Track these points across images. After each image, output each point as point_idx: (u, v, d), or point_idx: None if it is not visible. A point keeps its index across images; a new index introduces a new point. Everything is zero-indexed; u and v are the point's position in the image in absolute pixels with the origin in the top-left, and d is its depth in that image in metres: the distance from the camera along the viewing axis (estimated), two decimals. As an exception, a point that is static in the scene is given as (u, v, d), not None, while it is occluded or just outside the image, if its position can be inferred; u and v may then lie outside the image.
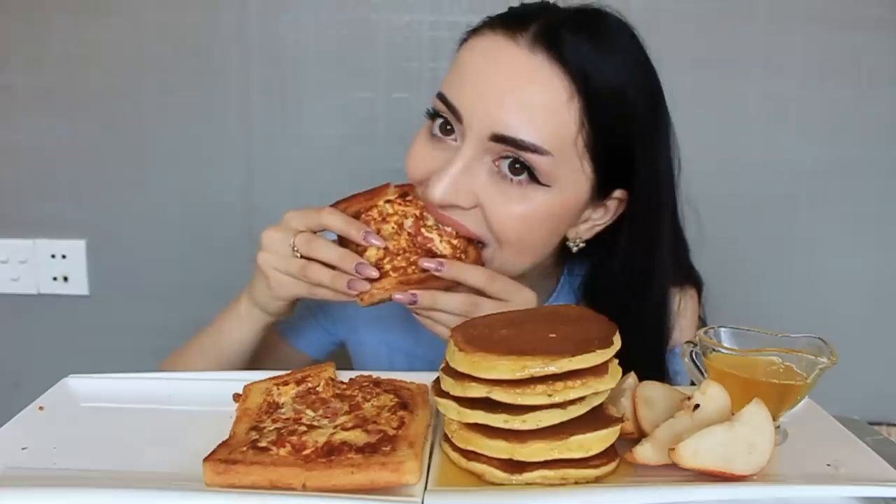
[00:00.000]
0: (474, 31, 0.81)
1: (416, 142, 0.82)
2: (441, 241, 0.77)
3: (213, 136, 1.28)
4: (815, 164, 1.27)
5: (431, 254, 0.76)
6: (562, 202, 0.78)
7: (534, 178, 0.75)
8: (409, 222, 0.77)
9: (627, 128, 0.78)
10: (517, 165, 0.75)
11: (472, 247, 0.77)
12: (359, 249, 0.75)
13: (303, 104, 1.27)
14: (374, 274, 0.73)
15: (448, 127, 0.78)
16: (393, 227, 0.77)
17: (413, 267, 0.75)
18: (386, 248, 0.75)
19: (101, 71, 1.26)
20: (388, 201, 0.79)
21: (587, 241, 0.84)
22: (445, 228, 0.77)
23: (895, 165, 1.28)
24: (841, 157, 1.27)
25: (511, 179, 0.75)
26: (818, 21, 1.22)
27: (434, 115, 0.80)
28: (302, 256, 0.75)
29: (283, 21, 1.25)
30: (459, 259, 0.76)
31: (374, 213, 0.78)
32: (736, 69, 1.24)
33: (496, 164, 0.76)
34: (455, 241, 0.77)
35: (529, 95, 0.74)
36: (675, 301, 0.89)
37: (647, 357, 0.84)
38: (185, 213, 1.31)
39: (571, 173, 0.77)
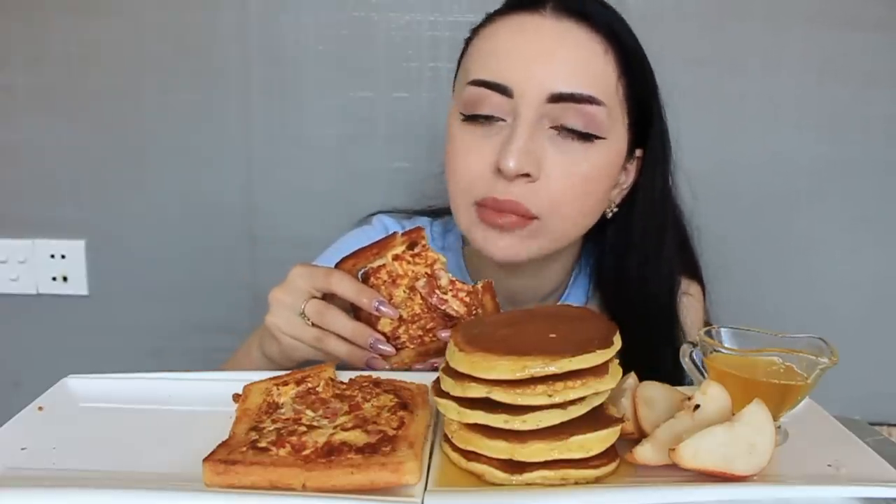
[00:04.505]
0: (486, 22, 0.83)
1: (456, 142, 0.81)
2: (455, 301, 0.75)
3: (213, 136, 1.28)
4: (814, 163, 1.27)
5: (447, 316, 0.75)
6: (614, 155, 0.82)
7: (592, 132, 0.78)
8: (421, 283, 0.75)
9: (648, 82, 0.84)
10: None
11: (488, 295, 0.75)
12: (371, 317, 0.74)
13: (303, 104, 1.27)
14: (391, 351, 0.73)
15: (487, 113, 0.79)
16: (405, 292, 0.75)
17: (430, 335, 0.75)
18: (400, 318, 0.74)
19: (101, 71, 1.26)
20: (396, 257, 0.75)
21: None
22: (458, 284, 0.75)
23: (894, 165, 1.28)
24: (840, 156, 1.27)
25: (572, 138, 0.78)
26: (817, 20, 1.22)
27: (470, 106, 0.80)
28: (313, 325, 0.73)
29: (283, 21, 1.24)
30: (475, 314, 0.75)
31: (384, 274, 0.75)
32: (735, 68, 1.24)
33: (554, 128, 0.78)
34: (468, 299, 0.75)
35: (572, 54, 0.78)
36: (682, 292, 0.92)
37: (661, 345, 0.86)
38: (185, 213, 1.31)
39: (618, 124, 0.81)
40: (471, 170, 0.80)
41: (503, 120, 0.79)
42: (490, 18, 0.83)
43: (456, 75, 0.88)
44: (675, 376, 0.83)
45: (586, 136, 0.78)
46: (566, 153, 0.78)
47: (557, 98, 0.76)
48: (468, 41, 0.86)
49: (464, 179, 0.81)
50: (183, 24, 1.25)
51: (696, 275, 0.98)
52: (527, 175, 0.77)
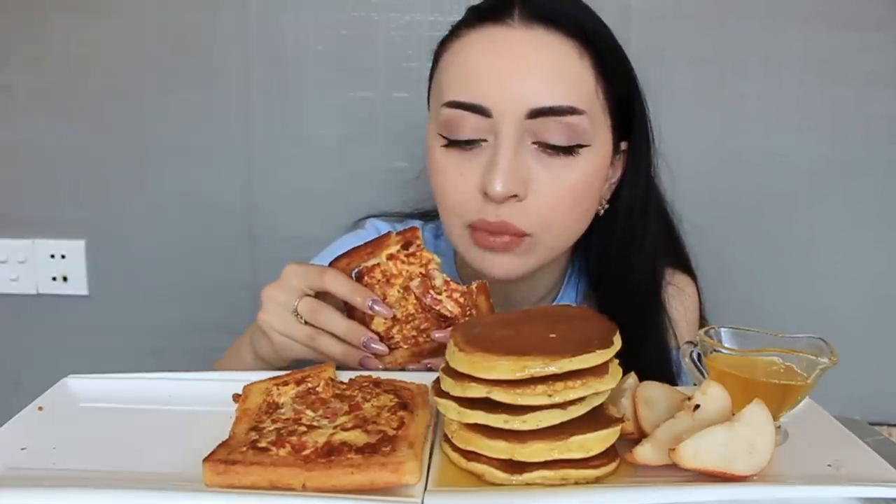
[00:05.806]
0: (454, 36, 0.81)
1: (439, 165, 0.80)
2: (449, 301, 0.75)
3: (213, 136, 1.28)
4: (814, 163, 1.27)
5: (441, 316, 0.75)
6: (600, 159, 0.80)
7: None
8: (415, 283, 0.75)
9: (627, 75, 0.83)
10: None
11: (483, 296, 0.75)
12: (365, 316, 0.74)
13: (303, 104, 1.27)
14: (384, 350, 0.73)
15: (467, 137, 0.78)
16: (399, 291, 0.75)
17: (424, 335, 0.74)
18: (394, 318, 0.74)
19: (101, 71, 1.26)
20: (390, 257, 0.75)
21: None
22: (452, 285, 0.75)
23: (895, 165, 1.28)
24: (841, 156, 1.27)
25: (557, 152, 0.76)
26: (818, 20, 1.22)
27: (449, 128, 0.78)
28: (306, 323, 0.73)
29: (283, 21, 1.24)
30: (469, 315, 0.75)
31: (378, 273, 0.75)
32: (735, 68, 1.24)
33: (536, 143, 0.77)
34: (462, 299, 0.75)
35: (546, 64, 0.76)
36: (667, 282, 0.91)
37: (648, 336, 0.86)
38: (185, 213, 1.31)
39: (601, 128, 0.79)
40: (459, 193, 0.79)
41: (484, 140, 0.77)
42: (457, 32, 0.81)
43: (429, 88, 0.87)
44: (666, 370, 0.84)
45: (570, 149, 0.77)
46: (551, 168, 0.77)
47: (537, 113, 0.75)
48: (437, 54, 0.84)
49: (453, 204, 0.80)
50: (183, 24, 1.25)
51: (685, 265, 0.97)
52: (514, 196, 0.76)
